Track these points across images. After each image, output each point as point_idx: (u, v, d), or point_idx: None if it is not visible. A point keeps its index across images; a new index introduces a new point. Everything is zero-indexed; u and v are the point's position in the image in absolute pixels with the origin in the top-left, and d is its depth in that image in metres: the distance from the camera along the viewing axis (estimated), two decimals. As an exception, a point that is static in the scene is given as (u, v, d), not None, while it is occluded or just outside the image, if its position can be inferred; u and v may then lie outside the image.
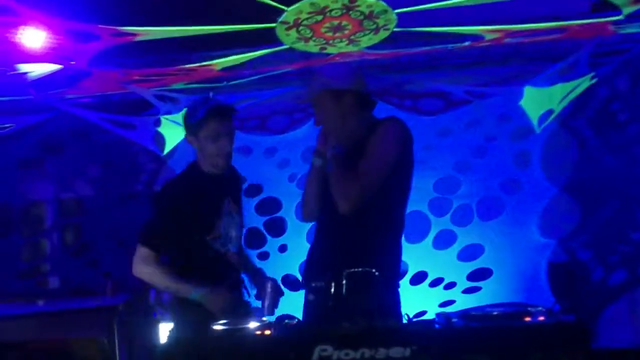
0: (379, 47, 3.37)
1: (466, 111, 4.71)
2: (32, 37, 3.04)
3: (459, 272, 4.84)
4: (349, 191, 2.60)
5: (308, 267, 2.88)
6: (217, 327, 2.23)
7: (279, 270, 4.75)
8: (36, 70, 3.58)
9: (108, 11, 2.88)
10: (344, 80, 2.75)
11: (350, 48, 3.31)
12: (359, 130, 2.76)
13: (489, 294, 4.76)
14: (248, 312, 2.88)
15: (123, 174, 4.99)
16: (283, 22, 2.89)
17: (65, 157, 4.99)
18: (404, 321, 2.37)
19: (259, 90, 4.46)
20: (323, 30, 2.99)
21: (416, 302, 4.61)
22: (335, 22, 2.91)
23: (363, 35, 3.11)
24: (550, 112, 4.32)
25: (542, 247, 4.78)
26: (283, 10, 2.78)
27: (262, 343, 2.14)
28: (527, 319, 2.14)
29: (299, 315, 2.83)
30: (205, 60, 3.63)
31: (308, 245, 2.94)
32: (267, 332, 2.16)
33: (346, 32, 3.03)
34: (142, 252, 2.74)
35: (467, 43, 3.58)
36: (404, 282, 4.69)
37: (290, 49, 3.33)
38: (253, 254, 4.84)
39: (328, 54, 3.47)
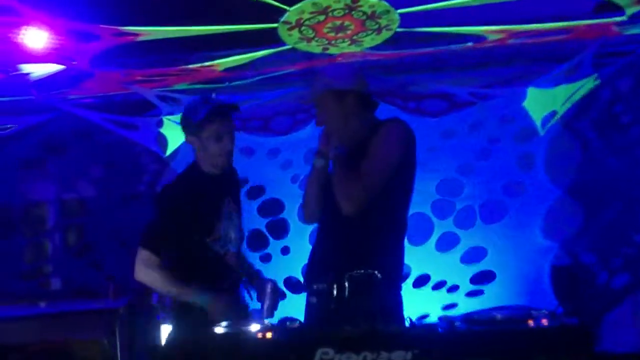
0: (381, 48, 3.36)
1: (470, 113, 4.69)
2: (34, 37, 3.04)
3: (461, 275, 4.82)
4: (352, 192, 2.60)
5: (310, 269, 2.87)
6: (218, 329, 2.22)
7: (282, 273, 4.74)
8: (38, 70, 3.57)
9: (109, 11, 2.87)
10: (346, 80, 2.74)
11: (353, 48, 3.31)
12: (361, 131, 2.75)
13: (491, 297, 4.74)
14: (247, 314, 2.87)
15: (125, 175, 4.99)
16: (285, 22, 2.89)
17: (68, 157, 4.98)
18: (407, 324, 2.36)
19: (262, 91, 4.45)
20: (325, 30, 2.98)
21: (419, 305, 4.59)
22: (338, 22, 2.90)
23: (365, 36, 3.11)
24: (553, 113, 4.31)
25: (546, 250, 4.76)
26: (285, 10, 2.77)
27: (263, 346, 2.13)
28: (530, 322, 2.13)
29: (301, 317, 2.82)
30: (207, 61, 3.62)
31: (310, 247, 2.93)
32: (268, 335, 2.15)
33: (348, 32, 3.02)
34: (143, 255, 2.72)
35: (470, 44, 3.56)
36: (407, 285, 4.66)
37: (293, 50, 3.32)
38: (255, 256, 4.85)
39: (330, 55, 3.46)
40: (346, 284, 2.59)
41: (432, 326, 2.22)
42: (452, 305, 4.78)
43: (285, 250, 4.90)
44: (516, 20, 3.25)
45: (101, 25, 2.90)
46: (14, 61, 3.41)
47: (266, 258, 4.90)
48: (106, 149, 4.91)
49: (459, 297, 4.80)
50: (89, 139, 4.91)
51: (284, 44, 3.21)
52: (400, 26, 3.03)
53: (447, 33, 3.36)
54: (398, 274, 2.77)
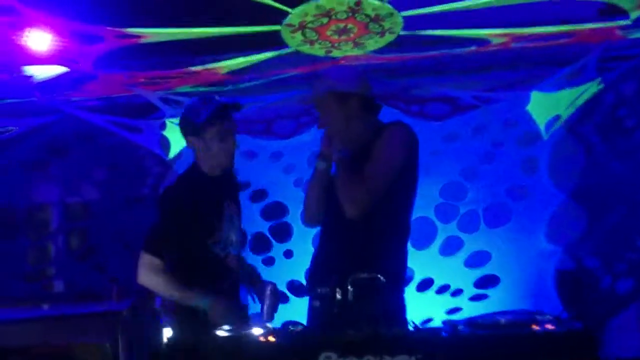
0: (385, 51, 3.35)
1: (473, 116, 4.68)
2: (38, 39, 3.03)
3: (465, 279, 4.81)
4: (356, 195, 2.59)
5: (312, 273, 2.87)
6: (221, 333, 2.22)
7: (285, 276, 4.73)
8: (41, 72, 3.57)
9: (112, 12, 2.87)
10: (349, 83, 2.74)
11: (356, 51, 3.30)
12: (364, 134, 2.75)
13: (495, 301, 4.72)
14: (246, 316, 2.85)
15: (129, 178, 4.98)
16: (288, 25, 2.88)
17: (71, 160, 4.98)
18: (410, 328, 2.35)
19: (265, 94, 4.44)
20: (328, 33, 2.97)
21: (422, 309, 4.57)
22: (341, 25, 2.89)
23: (369, 39, 3.10)
24: (557, 117, 4.30)
25: (549, 254, 4.74)
26: (288, 13, 2.77)
27: (266, 350, 2.13)
28: (535, 327, 2.12)
29: (304, 321, 2.80)
30: (210, 63, 3.61)
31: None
32: (271, 338, 2.14)
33: (352, 35, 3.01)
34: (146, 259, 2.72)
35: (473, 47, 3.55)
36: (410, 289, 4.65)
37: (296, 52, 3.31)
38: (258, 259, 4.84)
39: (334, 58, 3.45)
40: (349, 288, 2.58)
41: (435, 330, 2.22)
42: (456, 310, 4.76)
43: (288, 254, 4.89)
44: (520, 24, 3.24)
45: (104, 27, 2.90)
46: (17, 63, 3.41)
47: (269, 261, 4.89)
48: (109, 151, 4.90)
49: (462, 301, 4.79)
50: (92, 142, 4.91)
51: (287, 46, 3.20)
52: (403, 29, 3.03)
53: (451, 36, 3.35)
54: (401, 277, 2.77)
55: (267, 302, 2.82)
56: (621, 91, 4.59)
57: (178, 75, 3.77)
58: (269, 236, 4.93)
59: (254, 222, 4.89)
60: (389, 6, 2.74)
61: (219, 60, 3.60)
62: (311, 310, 2.82)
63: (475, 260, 4.81)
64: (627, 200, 4.61)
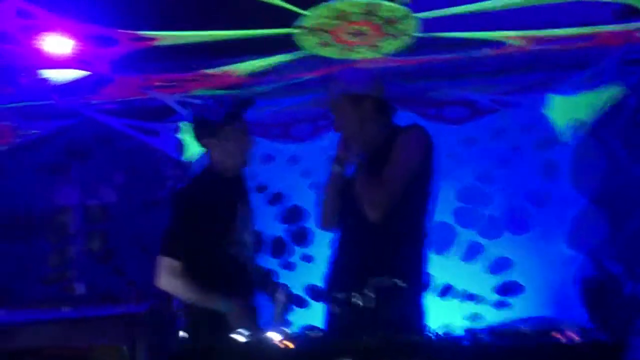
0: (400, 54, 3.32)
1: (492, 120, 4.64)
2: (55, 42, 3.06)
3: (487, 285, 4.76)
4: (376, 198, 2.57)
5: (330, 278, 2.84)
6: (238, 337, 2.20)
7: (304, 280, 4.72)
8: (59, 76, 3.60)
9: (127, 15, 2.87)
10: (363, 85, 2.73)
11: (371, 54, 3.27)
12: (379, 136, 2.73)
13: (517, 308, 4.67)
14: (258, 319, 2.83)
15: (147, 181, 5.01)
16: (303, 27, 2.87)
17: (91, 163, 5.02)
18: (429, 335, 2.32)
19: (282, 97, 4.44)
20: (343, 35, 2.95)
21: (443, 315, 4.52)
22: (356, 27, 2.87)
23: (384, 41, 3.07)
24: (577, 121, 4.24)
25: (571, 260, 4.68)
26: (303, 15, 2.75)
27: (282, 355, 2.10)
28: (558, 336, 2.07)
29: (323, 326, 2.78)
30: (225, 66, 3.61)
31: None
32: (288, 343, 2.12)
33: (367, 37, 2.99)
34: (165, 263, 2.70)
35: (491, 50, 3.51)
36: (431, 295, 4.61)
37: (311, 55, 3.30)
38: (277, 263, 4.84)
39: (349, 61, 3.43)
40: (369, 293, 2.55)
41: (455, 338, 2.17)
42: (476, 317, 4.72)
43: (308, 258, 4.87)
44: (538, 26, 3.19)
45: (119, 30, 2.91)
46: (35, 66, 3.44)
47: (289, 265, 4.88)
48: (127, 154, 4.94)
49: (484, 308, 4.74)
50: (110, 145, 4.95)
51: (302, 49, 3.19)
52: (419, 31, 3.00)
53: (468, 39, 3.32)
54: (421, 282, 2.73)
55: (278, 304, 2.80)
56: (643, 94, 4.52)
57: (194, 78, 3.78)
58: (288, 240, 4.92)
59: (273, 226, 4.89)
60: (405, 8, 2.72)
61: (235, 63, 3.59)
62: (329, 315, 2.79)
63: (497, 266, 4.77)
64: (649, 205, 4.54)
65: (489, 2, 2.76)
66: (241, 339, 2.19)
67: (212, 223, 2.73)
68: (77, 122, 4.67)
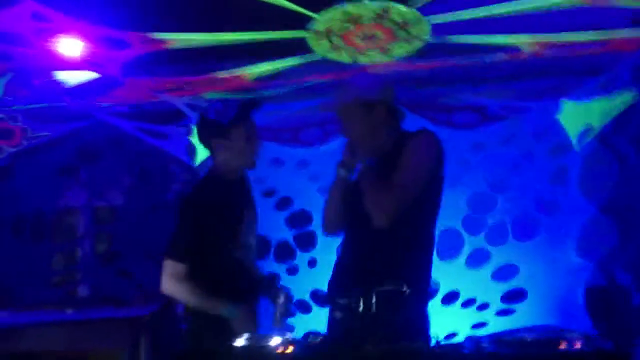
0: (412, 59, 3.31)
1: (502, 126, 4.62)
2: (68, 45, 3.07)
3: (492, 292, 4.73)
4: (384, 203, 2.55)
5: (334, 283, 2.82)
6: (239, 342, 2.19)
7: (309, 285, 4.71)
8: (72, 78, 3.61)
9: (139, 18, 2.88)
10: (374, 91, 2.71)
11: (383, 58, 3.26)
12: (387, 142, 2.71)
13: (522, 316, 4.64)
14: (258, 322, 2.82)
15: (156, 184, 5.01)
16: (314, 31, 2.86)
17: (101, 165, 5.03)
18: (432, 343, 2.29)
19: (292, 101, 4.44)
20: (355, 39, 2.95)
21: (447, 322, 4.51)
22: (368, 31, 2.86)
23: (396, 45, 3.06)
24: (589, 128, 4.21)
25: (579, 268, 4.64)
26: (314, 19, 2.75)
27: (283, 360, 2.08)
28: (563, 345, 2.04)
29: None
30: (236, 70, 3.61)
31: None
32: (289, 349, 2.10)
33: (379, 41, 2.98)
34: (169, 266, 2.69)
35: (503, 55, 3.50)
36: (435, 302, 4.59)
37: (323, 59, 3.29)
38: (282, 267, 4.82)
39: (360, 64, 3.42)
40: (373, 299, 2.53)
41: (457, 346, 2.15)
42: (481, 324, 4.69)
43: (312, 263, 4.86)
44: (551, 31, 3.17)
45: (131, 33, 2.91)
46: (48, 68, 3.45)
47: (293, 270, 4.87)
48: (137, 157, 4.94)
49: (489, 316, 4.71)
50: (121, 147, 4.96)
51: (313, 53, 3.19)
52: (431, 36, 2.99)
53: (480, 44, 3.30)
54: (425, 289, 2.71)
55: (279, 308, 2.79)
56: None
57: (204, 81, 3.78)
58: (294, 244, 4.91)
59: (279, 230, 4.88)
60: (417, 12, 2.71)
61: (246, 67, 3.59)
62: (332, 321, 2.77)
63: (503, 273, 4.73)
64: (660, 214, 4.50)
65: (502, 6, 2.74)
66: (243, 343, 2.18)
67: (217, 226, 2.72)
68: (89, 125, 4.68)
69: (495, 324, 4.58)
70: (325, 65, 3.49)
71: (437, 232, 2.74)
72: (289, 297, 2.83)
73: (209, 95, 4.03)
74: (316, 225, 4.84)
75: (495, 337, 2.15)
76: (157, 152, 4.73)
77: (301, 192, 4.88)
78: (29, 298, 4.67)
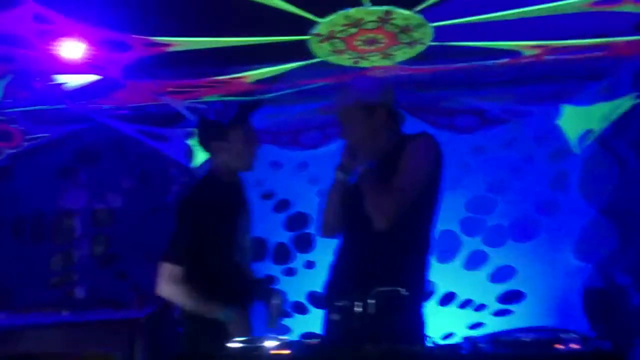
0: (414, 62, 3.31)
1: (503, 129, 4.63)
2: (69, 47, 3.06)
3: (489, 293, 4.74)
4: (385, 206, 2.55)
5: (331, 285, 2.81)
6: (234, 345, 2.19)
7: (306, 287, 4.71)
8: (72, 80, 3.60)
9: (140, 21, 2.87)
10: (374, 94, 2.71)
11: (384, 62, 3.26)
12: (387, 145, 2.71)
13: (520, 318, 4.65)
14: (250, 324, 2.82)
15: (155, 186, 5.01)
16: (316, 35, 2.86)
17: (100, 167, 5.02)
18: (429, 344, 2.29)
19: (292, 105, 4.44)
20: (357, 43, 2.95)
21: (445, 323, 4.52)
22: (370, 35, 2.86)
23: (398, 49, 3.06)
24: (589, 132, 4.22)
25: (578, 271, 4.66)
26: (317, 23, 2.75)
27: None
28: (559, 346, 2.04)
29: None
30: (238, 73, 3.61)
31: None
32: (285, 351, 2.10)
33: (381, 45, 2.98)
34: (166, 269, 2.69)
35: (505, 60, 3.50)
36: (433, 303, 4.60)
37: (324, 63, 3.29)
38: (279, 269, 4.82)
39: (362, 69, 3.42)
40: (369, 300, 2.53)
41: (454, 347, 2.15)
42: (478, 325, 4.70)
43: (310, 265, 4.86)
44: (552, 36, 3.18)
45: (132, 35, 2.91)
46: (49, 70, 3.44)
47: (290, 272, 4.87)
48: (137, 159, 4.94)
49: (486, 317, 4.73)
50: (120, 150, 4.95)
51: (315, 56, 3.18)
52: (433, 40, 2.99)
53: (482, 48, 3.30)
54: (422, 291, 2.71)
55: (272, 310, 2.79)
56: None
57: (205, 84, 3.78)
58: (291, 246, 4.91)
59: (277, 232, 4.88)
60: (419, 16, 2.71)
61: (247, 70, 3.59)
62: (329, 323, 2.77)
63: (500, 275, 4.74)
64: (660, 217, 4.52)
65: (504, 11, 2.74)
66: (236, 346, 2.17)
67: (214, 228, 2.73)
68: (88, 127, 4.68)
69: (493, 325, 4.60)
70: (327, 68, 3.49)
71: (435, 234, 2.75)
72: (282, 300, 2.83)
73: (210, 98, 4.03)
74: (314, 227, 4.85)
75: (492, 338, 2.15)
76: (157, 155, 4.73)
77: (300, 195, 4.89)
78: (27, 299, 4.66)
